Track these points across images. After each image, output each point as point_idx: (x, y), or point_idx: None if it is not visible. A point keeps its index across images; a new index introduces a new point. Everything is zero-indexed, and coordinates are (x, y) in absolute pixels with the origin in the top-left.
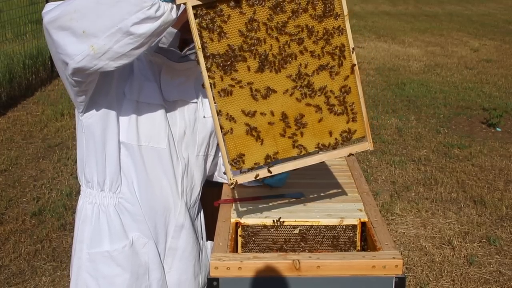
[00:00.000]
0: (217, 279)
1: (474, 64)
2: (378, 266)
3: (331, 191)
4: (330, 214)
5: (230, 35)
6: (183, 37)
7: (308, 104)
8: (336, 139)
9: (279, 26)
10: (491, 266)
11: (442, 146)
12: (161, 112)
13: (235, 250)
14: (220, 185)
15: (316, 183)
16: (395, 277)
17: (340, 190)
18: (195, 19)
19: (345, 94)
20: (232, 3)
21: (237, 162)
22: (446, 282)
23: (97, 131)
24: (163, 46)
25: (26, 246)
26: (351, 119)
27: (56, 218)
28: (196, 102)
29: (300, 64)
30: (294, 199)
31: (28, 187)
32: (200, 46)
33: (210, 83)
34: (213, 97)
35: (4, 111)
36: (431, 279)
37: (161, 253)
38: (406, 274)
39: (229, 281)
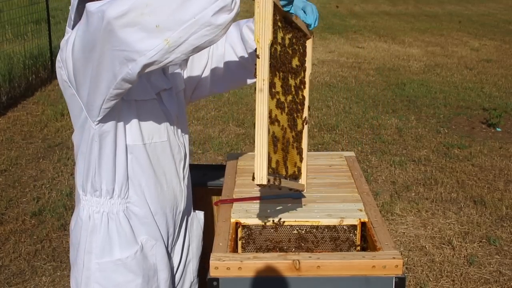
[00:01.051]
0: (217, 279)
1: (474, 64)
2: (378, 266)
3: (331, 191)
4: (330, 214)
5: (277, 42)
6: None
7: (291, 133)
8: (294, 171)
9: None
10: (491, 266)
11: (442, 146)
12: (156, 106)
13: (235, 250)
14: (220, 185)
15: (316, 183)
16: (395, 277)
17: (340, 190)
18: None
19: (299, 137)
20: (283, 17)
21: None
22: (446, 282)
23: (110, 137)
24: None
25: (26, 246)
26: (300, 159)
27: (56, 218)
28: (171, 88)
29: (293, 95)
30: (294, 199)
31: (28, 187)
32: (272, 39)
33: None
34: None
35: (4, 111)
36: (431, 279)
37: (170, 246)
38: (406, 274)
39: (229, 281)
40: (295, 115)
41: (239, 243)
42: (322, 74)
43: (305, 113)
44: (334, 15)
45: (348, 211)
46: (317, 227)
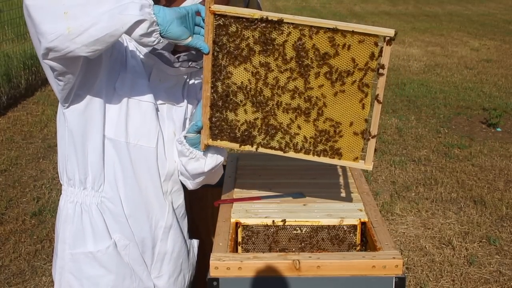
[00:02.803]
0: (217, 279)
1: (474, 64)
2: (378, 266)
3: (331, 191)
4: (330, 214)
5: None
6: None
7: None
8: None
9: None
10: (491, 266)
11: (442, 146)
12: (152, 111)
13: (235, 250)
14: (220, 185)
15: (316, 183)
16: (395, 277)
17: (340, 190)
18: None
19: None
20: None
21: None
22: (446, 282)
23: (80, 126)
24: (157, 49)
25: (26, 246)
26: None
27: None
28: (183, 107)
29: None
30: (294, 199)
31: (28, 187)
32: None
33: None
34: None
35: (4, 111)
36: (431, 279)
37: (149, 259)
38: (406, 274)
39: (229, 281)
40: None
41: (239, 243)
42: None
43: None
44: (334, 15)
45: (348, 211)
46: (317, 227)
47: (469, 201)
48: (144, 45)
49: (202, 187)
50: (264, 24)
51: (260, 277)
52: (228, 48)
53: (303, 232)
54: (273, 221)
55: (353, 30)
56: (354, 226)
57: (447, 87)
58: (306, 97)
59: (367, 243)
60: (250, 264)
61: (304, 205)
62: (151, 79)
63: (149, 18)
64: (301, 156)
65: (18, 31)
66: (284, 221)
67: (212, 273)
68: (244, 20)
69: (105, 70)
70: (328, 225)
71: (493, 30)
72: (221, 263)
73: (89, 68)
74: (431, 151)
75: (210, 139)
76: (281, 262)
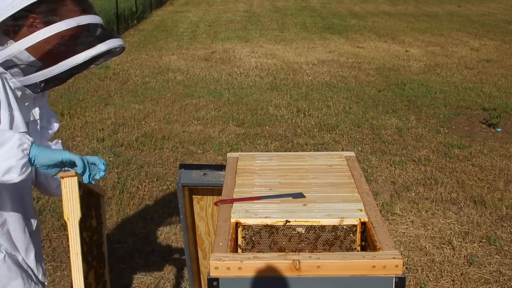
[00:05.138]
0: (217, 279)
1: (474, 64)
2: (378, 266)
3: (331, 191)
4: (330, 214)
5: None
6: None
7: None
8: None
9: None
10: (491, 266)
11: (442, 146)
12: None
13: (235, 250)
14: (220, 185)
15: (316, 183)
16: (395, 277)
17: (340, 190)
18: None
19: None
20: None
21: None
22: (446, 282)
23: None
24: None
25: None
26: None
27: (56, 218)
28: (38, 119)
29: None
30: (294, 199)
31: None
32: (81, 216)
33: None
34: None
35: None
36: (431, 279)
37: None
38: (406, 274)
39: (229, 281)
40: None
41: (239, 243)
42: (322, 74)
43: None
44: (334, 15)
45: (348, 211)
46: (317, 227)
47: (469, 201)
48: None
49: (202, 187)
50: None
51: (260, 277)
52: None
53: (303, 232)
54: (273, 221)
55: None
56: (354, 226)
57: (447, 87)
58: None
59: (367, 243)
60: (250, 264)
61: (304, 205)
62: (19, 104)
63: (28, 174)
64: None
65: None
66: (285, 221)
67: (212, 273)
68: None
69: None
70: (328, 225)
71: (493, 30)
72: (221, 263)
73: None
74: (431, 151)
75: None
76: (281, 262)
